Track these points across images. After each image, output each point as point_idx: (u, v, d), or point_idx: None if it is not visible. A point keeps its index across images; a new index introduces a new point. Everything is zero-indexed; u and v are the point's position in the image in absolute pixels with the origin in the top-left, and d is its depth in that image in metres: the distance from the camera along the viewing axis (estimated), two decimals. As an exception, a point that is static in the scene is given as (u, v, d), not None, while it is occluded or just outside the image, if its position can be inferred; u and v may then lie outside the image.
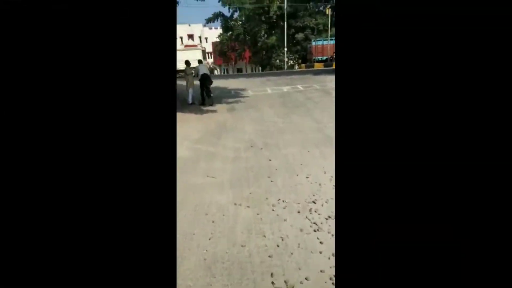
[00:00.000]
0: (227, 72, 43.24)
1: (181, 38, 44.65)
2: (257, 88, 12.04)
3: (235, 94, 10.91)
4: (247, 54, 35.91)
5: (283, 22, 25.94)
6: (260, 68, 36.64)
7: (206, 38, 43.76)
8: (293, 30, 26.22)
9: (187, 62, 9.41)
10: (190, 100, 9.23)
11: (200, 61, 9.61)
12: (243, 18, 32.59)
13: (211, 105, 8.85)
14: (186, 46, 46.69)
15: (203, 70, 9.07)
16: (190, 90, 9.23)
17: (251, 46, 33.34)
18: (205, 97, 9.14)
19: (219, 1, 33.74)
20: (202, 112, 8.02)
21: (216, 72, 42.97)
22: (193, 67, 9.55)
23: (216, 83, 14.03)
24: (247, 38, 33.72)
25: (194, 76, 9.21)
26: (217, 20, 35.90)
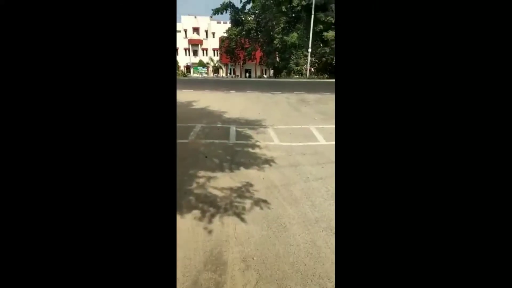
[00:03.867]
0: (234, 72, 36.53)
1: (185, 31, 37.99)
2: (287, 125, 5.36)
3: (240, 148, 4.15)
4: (258, 53, 29.12)
5: (309, 16, 19.17)
6: (272, 72, 29.99)
7: (213, 33, 36.86)
8: (320, 27, 19.28)
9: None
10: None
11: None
12: (257, 10, 25.91)
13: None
14: (190, 40, 40.30)
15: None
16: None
17: (263, 44, 26.56)
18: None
19: (229, -12, 27.23)
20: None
21: (221, 72, 36.33)
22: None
23: (208, 99, 7.31)
24: (259, 35, 26.98)
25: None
26: (226, 12, 29.20)
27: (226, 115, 5.84)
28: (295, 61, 21.14)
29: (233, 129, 4.84)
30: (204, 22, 37.08)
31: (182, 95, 8.01)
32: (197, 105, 6.62)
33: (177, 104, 5.98)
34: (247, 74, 36.28)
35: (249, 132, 4.74)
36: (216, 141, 4.20)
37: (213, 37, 36.47)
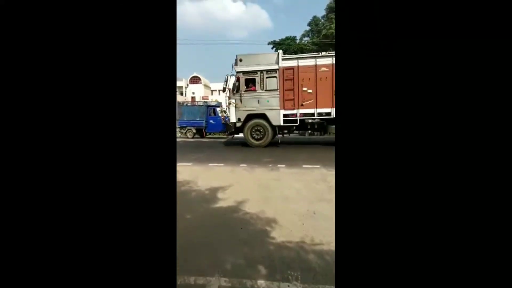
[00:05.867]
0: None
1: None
2: None
3: None
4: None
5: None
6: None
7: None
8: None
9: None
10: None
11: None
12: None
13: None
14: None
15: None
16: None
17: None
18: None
19: (272, 48, 27.60)
20: None
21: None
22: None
23: (244, 186, 4.00)
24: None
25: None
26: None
27: (275, 235, 2.88)
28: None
29: (296, 311, 1.84)
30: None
31: (206, 177, 5.02)
32: (223, 201, 3.79)
33: (191, 198, 3.22)
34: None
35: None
36: None
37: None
